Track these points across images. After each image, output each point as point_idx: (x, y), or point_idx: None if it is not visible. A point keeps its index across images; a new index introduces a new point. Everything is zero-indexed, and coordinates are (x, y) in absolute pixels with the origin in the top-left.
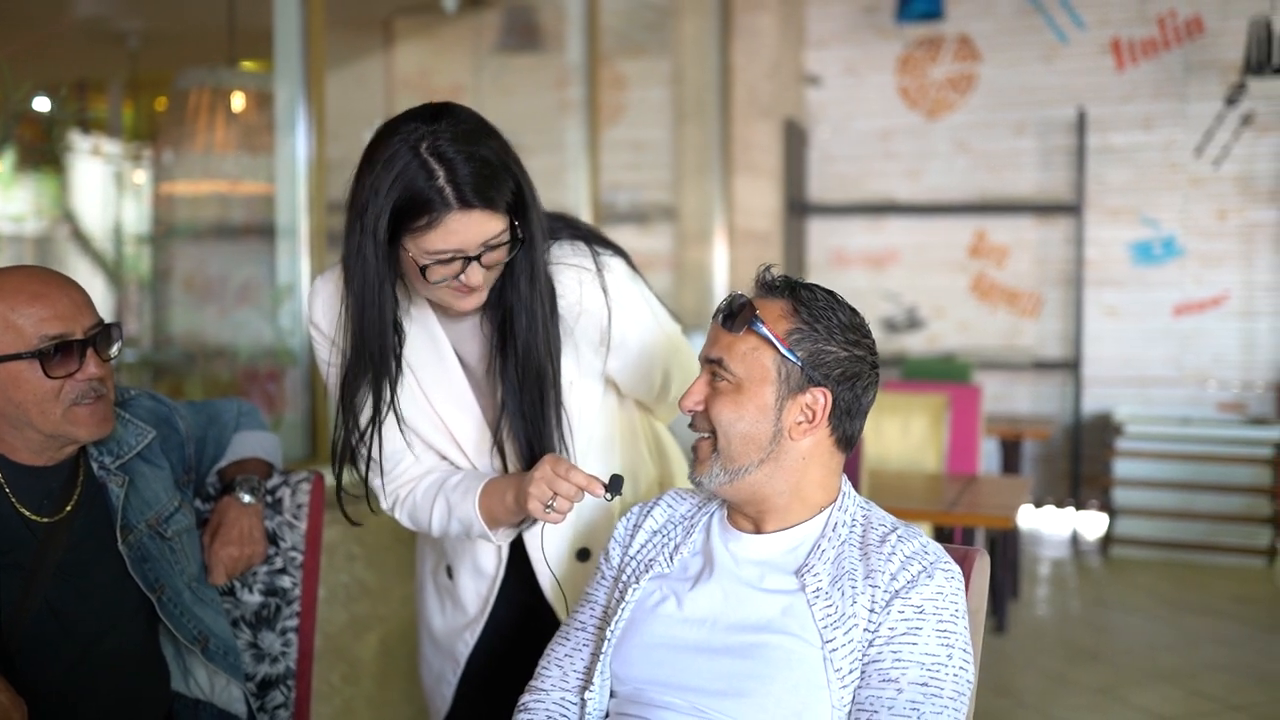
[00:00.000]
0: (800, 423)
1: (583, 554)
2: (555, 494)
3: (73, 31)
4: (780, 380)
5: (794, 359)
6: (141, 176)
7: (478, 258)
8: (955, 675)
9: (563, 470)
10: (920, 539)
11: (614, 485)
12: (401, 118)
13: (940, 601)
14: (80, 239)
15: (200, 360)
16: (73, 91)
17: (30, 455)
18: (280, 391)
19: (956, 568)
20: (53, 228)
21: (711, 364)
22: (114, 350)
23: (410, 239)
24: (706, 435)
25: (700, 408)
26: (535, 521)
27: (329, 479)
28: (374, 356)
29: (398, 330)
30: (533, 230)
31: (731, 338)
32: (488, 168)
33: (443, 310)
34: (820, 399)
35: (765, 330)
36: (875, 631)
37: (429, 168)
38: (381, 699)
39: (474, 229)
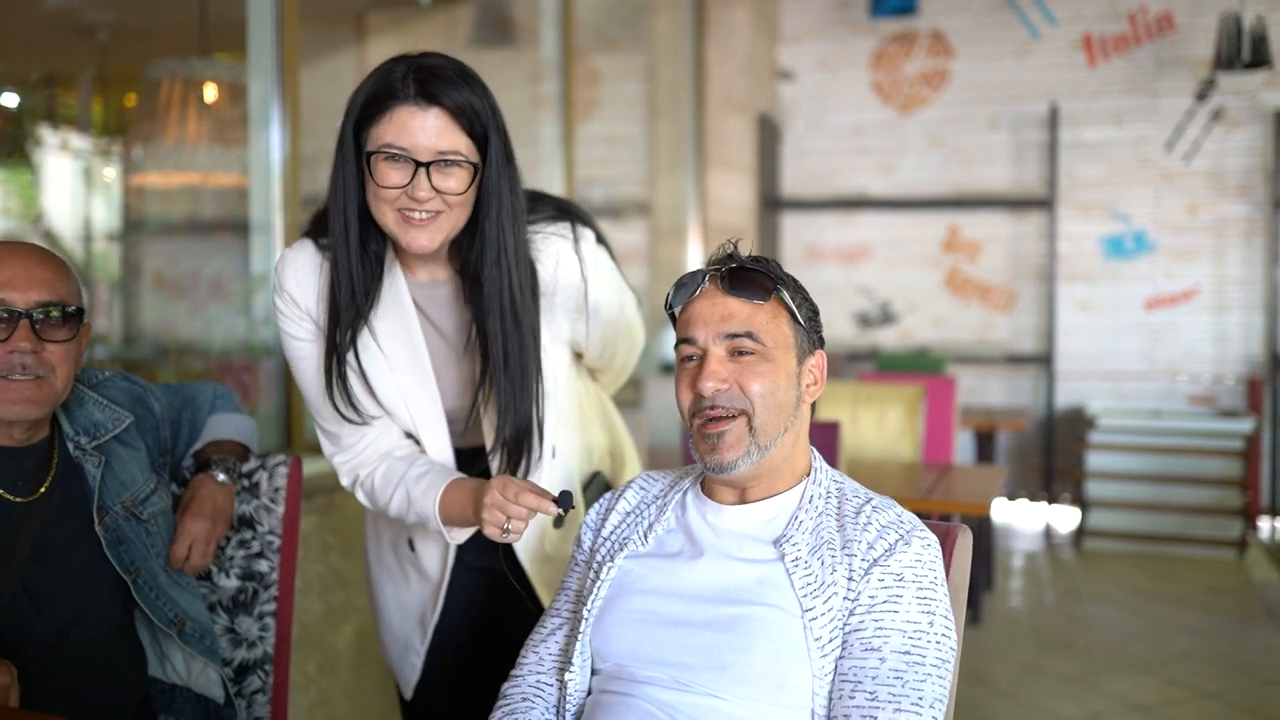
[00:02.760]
0: (810, 385)
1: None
2: (509, 518)
3: (40, 25)
4: (798, 345)
5: (803, 324)
6: (111, 172)
7: (427, 166)
8: (937, 642)
9: (512, 494)
10: (895, 509)
11: (564, 501)
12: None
13: (919, 569)
14: (49, 235)
15: (173, 355)
16: (41, 86)
17: None
18: (254, 382)
19: (932, 536)
20: (21, 224)
21: (735, 338)
22: (60, 335)
23: (369, 133)
24: (734, 415)
25: (726, 386)
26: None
27: (307, 464)
28: (353, 268)
29: (377, 261)
30: (495, 165)
31: (751, 307)
32: (459, 80)
33: (413, 273)
34: (821, 360)
35: (788, 297)
36: (855, 600)
37: (401, 65)
38: (357, 689)
39: (428, 130)
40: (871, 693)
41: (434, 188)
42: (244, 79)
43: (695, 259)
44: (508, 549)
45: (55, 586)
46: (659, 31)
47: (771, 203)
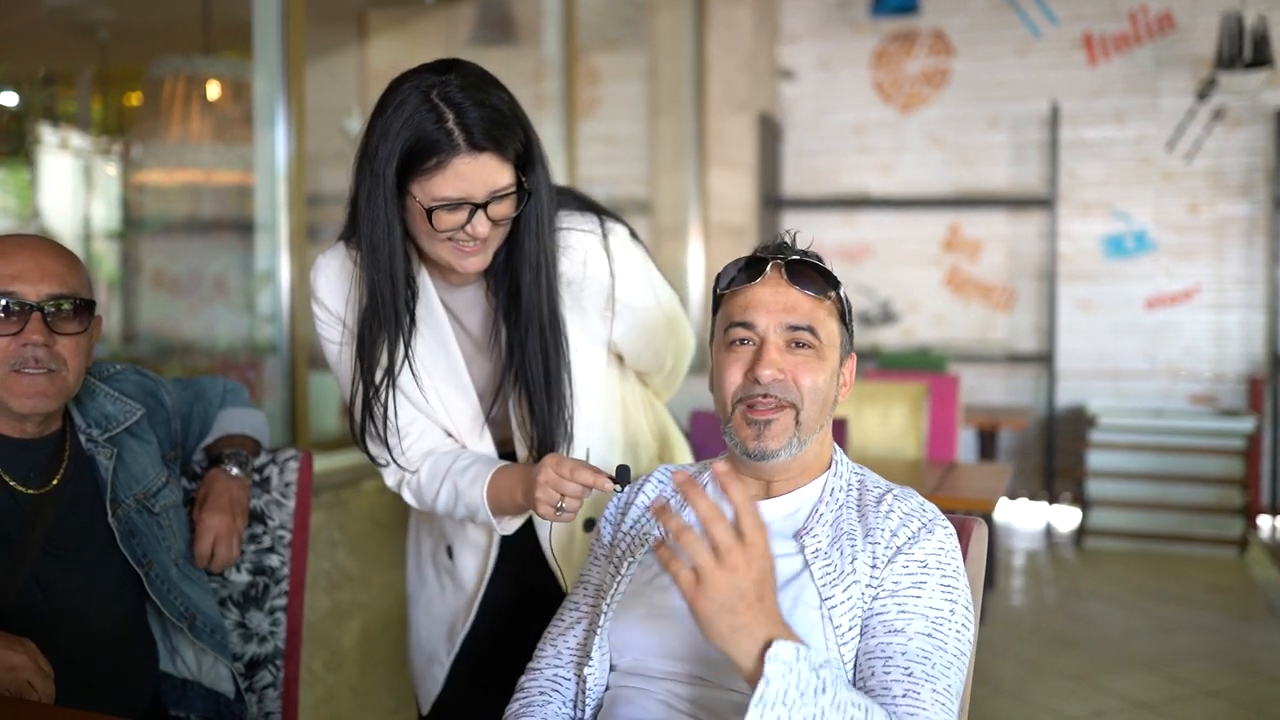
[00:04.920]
0: (843, 386)
1: (588, 525)
2: (563, 495)
3: (40, 23)
4: (840, 345)
5: (847, 326)
6: (112, 170)
7: (484, 206)
8: (957, 632)
9: (566, 470)
10: (916, 498)
11: (621, 477)
12: (413, 70)
13: (942, 557)
14: (46, 234)
15: (177, 353)
16: (41, 84)
17: (5, 426)
18: (259, 380)
19: (952, 525)
20: (17, 223)
21: (796, 330)
22: (72, 328)
23: (417, 184)
24: (784, 406)
25: (782, 377)
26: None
27: (317, 460)
28: (387, 304)
29: (410, 284)
30: (539, 184)
31: (813, 302)
32: (497, 114)
33: (444, 277)
34: (853, 363)
35: (843, 296)
36: (879, 586)
37: (439, 111)
38: (363, 687)
39: (482, 174)
40: (907, 669)
41: (490, 220)
42: (247, 77)
43: (696, 258)
44: (536, 543)
45: (67, 579)
46: (660, 30)
47: (772, 201)
